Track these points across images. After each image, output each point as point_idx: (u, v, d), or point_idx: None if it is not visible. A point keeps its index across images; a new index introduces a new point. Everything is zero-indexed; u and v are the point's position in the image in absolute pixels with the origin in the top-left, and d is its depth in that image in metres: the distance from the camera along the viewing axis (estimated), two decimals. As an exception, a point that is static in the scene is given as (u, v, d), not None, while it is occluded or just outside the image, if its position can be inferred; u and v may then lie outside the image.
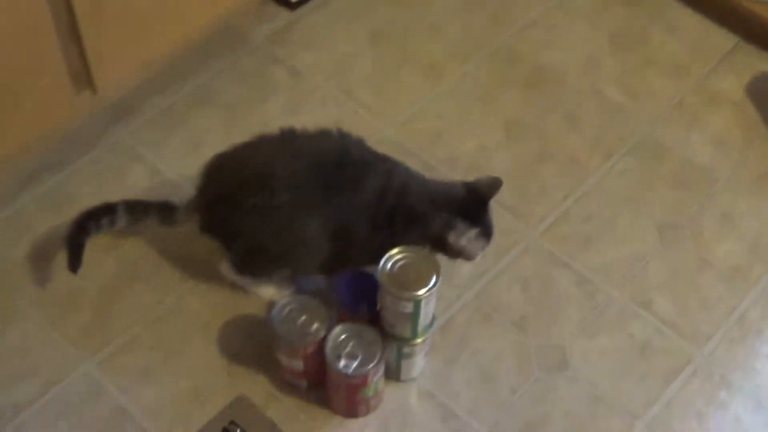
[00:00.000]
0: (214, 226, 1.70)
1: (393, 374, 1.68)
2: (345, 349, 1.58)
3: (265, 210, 1.62)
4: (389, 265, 1.55)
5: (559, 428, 1.68)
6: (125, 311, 1.77)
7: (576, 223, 1.93)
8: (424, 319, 1.59)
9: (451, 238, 1.62)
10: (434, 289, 1.54)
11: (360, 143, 1.68)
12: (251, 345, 1.73)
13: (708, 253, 1.90)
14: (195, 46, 2.04)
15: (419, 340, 1.62)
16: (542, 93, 2.12)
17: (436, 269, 1.55)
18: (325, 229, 1.62)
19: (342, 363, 1.56)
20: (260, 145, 1.67)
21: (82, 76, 1.82)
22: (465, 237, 1.62)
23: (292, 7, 2.20)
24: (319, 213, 1.61)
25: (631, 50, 2.20)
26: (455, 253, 1.65)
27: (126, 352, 1.72)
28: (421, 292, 1.53)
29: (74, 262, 1.72)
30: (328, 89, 2.10)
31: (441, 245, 1.64)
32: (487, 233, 1.67)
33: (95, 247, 1.77)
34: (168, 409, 1.66)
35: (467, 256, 1.67)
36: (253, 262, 1.71)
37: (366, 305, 1.63)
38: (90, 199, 1.86)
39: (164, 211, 1.75)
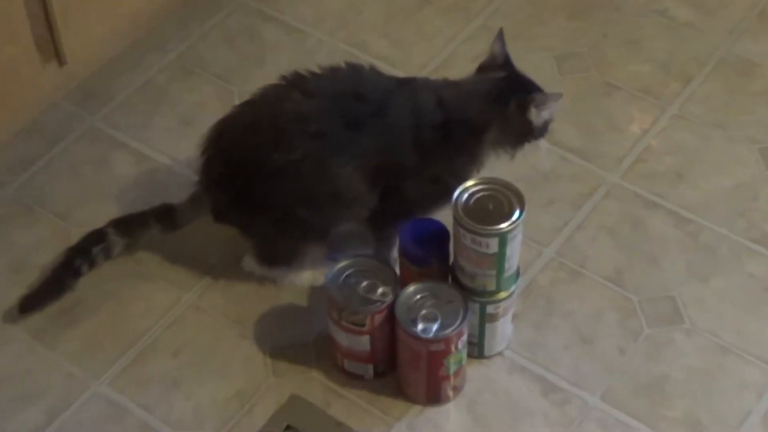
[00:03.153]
0: (230, 208, 1.81)
1: (476, 348, 1.79)
2: (421, 311, 1.68)
3: (287, 168, 1.72)
4: (464, 198, 1.67)
5: (682, 387, 1.80)
6: (135, 316, 1.87)
7: (661, 158, 2.07)
8: (509, 266, 1.70)
9: (532, 115, 1.73)
10: (520, 221, 1.65)
11: (374, 70, 1.82)
12: (294, 336, 1.85)
13: (826, 175, 2.05)
14: (170, 10, 2.18)
15: (504, 294, 1.74)
16: (592, 21, 2.28)
17: (519, 200, 1.67)
18: (363, 172, 1.73)
19: (420, 327, 1.67)
20: (263, 98, 1.79)
21: (49, 44, 1.96)
22: (546, 105, 1.74)
23: (275, -44, 2.36)
24: (349, 155, 1.72)
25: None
26: (538, 131, 1.77)
27: (143, 362, 1.82)
28: (505, 225, 1.65)
29: (32, 303, 1.84)
30: (334, 44, 2.24)
31: (518, 133, 1.77)
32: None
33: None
34: (209, 419, 1.76)
35: (546, 129, 1.79)
36: (284, 243, 1.82)
37: (436, 257, 1.74)
38: (67, 197, 1.98)
39: (163, 215, 1.87)
